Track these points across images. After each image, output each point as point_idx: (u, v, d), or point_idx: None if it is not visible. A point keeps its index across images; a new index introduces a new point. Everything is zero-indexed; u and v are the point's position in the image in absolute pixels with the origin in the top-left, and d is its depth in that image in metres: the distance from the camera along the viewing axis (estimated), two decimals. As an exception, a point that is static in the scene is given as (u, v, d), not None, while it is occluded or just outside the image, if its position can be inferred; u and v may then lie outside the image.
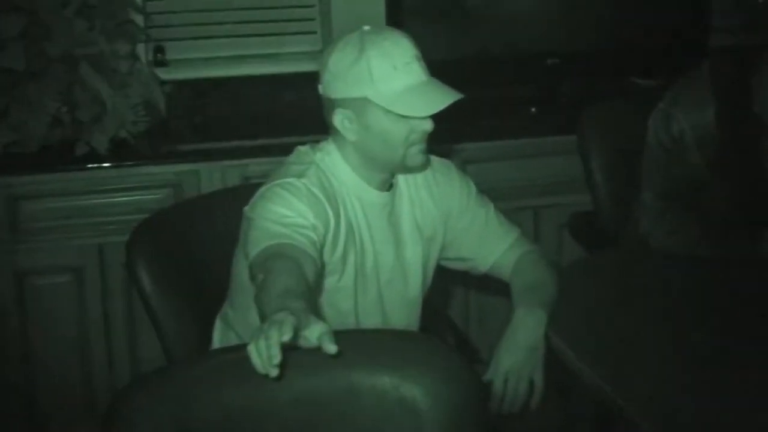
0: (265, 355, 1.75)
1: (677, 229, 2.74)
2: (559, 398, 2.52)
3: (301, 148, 2.45)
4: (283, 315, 1.81)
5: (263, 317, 1.93)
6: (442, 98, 2.29)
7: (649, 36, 3.91)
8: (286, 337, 1.75)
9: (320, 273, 2.27)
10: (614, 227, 3.11)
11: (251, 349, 1.76)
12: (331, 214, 2.32)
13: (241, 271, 2.38)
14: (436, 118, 2.34)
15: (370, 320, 2.46)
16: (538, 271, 2.56)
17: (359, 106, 2.31)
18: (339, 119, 2.34)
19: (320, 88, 2.38)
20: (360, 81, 2.29)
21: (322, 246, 2.30)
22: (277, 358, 1.74)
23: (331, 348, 1.77)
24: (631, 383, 2.19)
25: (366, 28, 2.36)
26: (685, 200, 2.76)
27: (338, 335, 1.79)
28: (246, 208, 2.33)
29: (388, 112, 2.29)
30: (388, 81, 2.28)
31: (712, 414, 2.07)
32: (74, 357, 3.43)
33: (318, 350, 1.79)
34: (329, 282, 2.38)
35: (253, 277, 2.17)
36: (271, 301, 1.95)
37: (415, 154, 2.34)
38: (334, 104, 2.34)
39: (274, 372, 1.75)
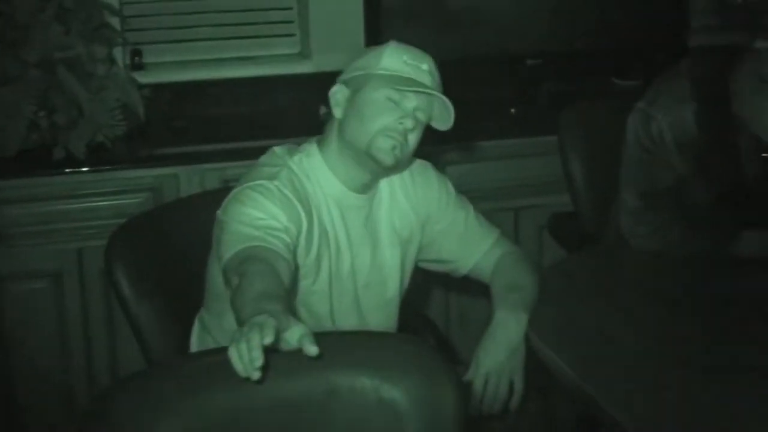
0: (246, 359, 1.74)
1: (657, 228, 2.74)
2: (539, 399, 2.52)
3: (277, 150, 2.44)
4: (264, 318, 1.80)
5: (240, 321, 1.91)
6: (433, 89, 2.34)
7: (628, 36, 3.93)
8: (268, 340, 1.75)
9: (294, 275, 2.26)
10: (594, 228, 3.12)
11: (232, 352, 1.75)
12: (303, 216, 2.32)
13: (215, 275, 2.37)
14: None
15: (347, 323, 2.46)
16: (518, 272, 2.56)
17: (359, 82, 2.36)
18: (334, 91, 2.40)
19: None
20: (369, 61, 2.38)
21: (296, 248, 2.29)
22: (259, 361, 1.73)
23: (312, 350, 1.76)
24: (612, 383, 2.20)
25: None
26: (665, 200, 2.76)
27: (318, 337, 1.79)
28: (218, 211, 2.32)
29: (380, 87, 2.32)
30: (393, 64, 2.35)
31: (692, 412, 2.07)
32: (54, 362, 3.41)
33: (298, 352, 1.79)
34: (303, 285, 2.38)
35: (227, 281, 2.16)
36: (247, 305, 1.94)
37: (384, 144, 2.32)
38: (338, 83, 2.41)
39: (256, 375, 1.74)
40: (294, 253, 2.27)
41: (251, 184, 2.31)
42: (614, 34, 3.92)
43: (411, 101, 2.33)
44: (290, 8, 4.00)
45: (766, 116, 2.54)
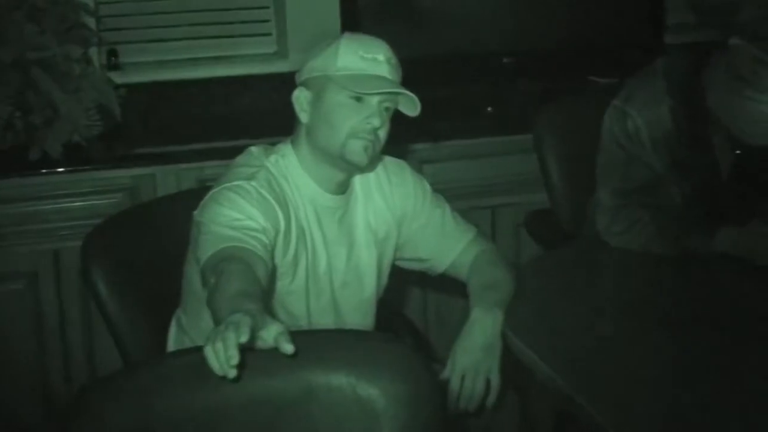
0: (222, 357, 1.74)
1: (633, 226, 2.75)
2: (515, 396, 2.53)
3: (253, 149, 2.44)
4: (240, 316, 1.80)
5: (217, 321, 1.92)
6: (393, 87, 2.31)
7: (604, 34, 3.93)
8: (244, 339, 1.75)
9: (272, 275, 2.26)
10: (571, 225, 3.12)
11: (208, 351, 1.75)
12: (281, 216, 2.32)
13: (192, 276, 2.37)
14: (393, 118, 2.36)
15: (324, 322, 2.46)
16: (494, 270, 2.56)
17: (320, 84, 2.35)
18: (296, 96, 2.39)
19: (296, 78, 2.43)
20: (325, 60, 2.35)
21: (273, 248, 2.29)
22: (235, 359, 1.73)
23: (288, 348, 1.77)
24: (589, 380, 2.20)
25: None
26: (641, 197, 2.77)
27: (295, 336, 1.79)
28: (195, 212, 2.32)
29: (341, 90, 2.31)
30: (348, 62, 2.32)
31: (670, 408, 2.08)
32: (30, 362, 3.40)
33: (275, 351, 1.79)
34: (280, 285, 2.38)
35: (205, 281, 2.16)
36: (224, 304, 1.94)
37: (356, 147, 2.33)
38: (299, 85, 2.39)
39: (232, 373, 1.74)
40: (271, 253, 2.27)
41: (229, 184, 2.31)
42: (590, 31, 3.93)
43: (374, 97, 2.32)
44: (267, 7, 4.00)
45: (740, 113, 2.55)
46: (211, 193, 2.33)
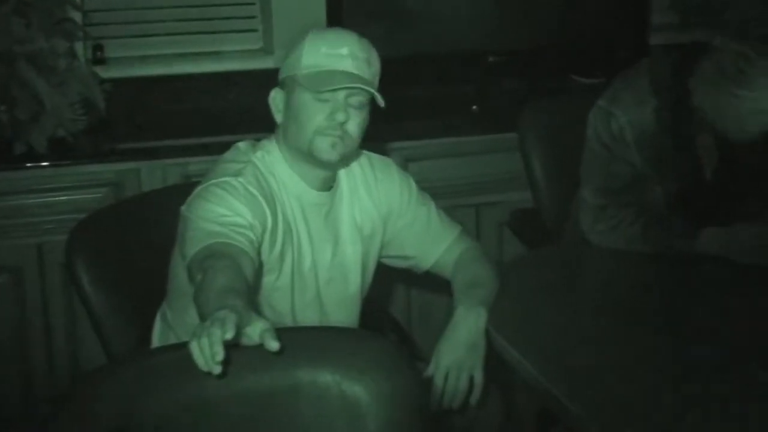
0: (207, 353, 1.74)
1: (617, 225, 2.76)
2: (499, 394, 2.53)
3: (241, 145, 2.44)
4: (225, 313, 1.80)
5: (203, 316, 1.92)
6: (346, 82, 2.30)
7: (589, 34, 3.94)
8: (229, 335, 1.75)
9: (258, 272, 2.26)
10: (554, 224, 3.13)
11: (193, 346, 1.76)
12: (268, 213, 2.32)
13: (178, 271, 2.37)
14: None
15: (308, 320, 2.46)
16: (478, 268, 2.57)
17: (290, 85, 2.36)
18: (272, 97, 2.41)
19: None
20: (293, 61, 2.36)
21: (260, 245, 2.30)
22: (220, 355, 1.73)
23: (273, 345, 1.77)
24: (571, 378, 2.21)
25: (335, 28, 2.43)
26: (625, 197, 2.78)
27: (280, 332, 1.80)
28: (183, 207, 2.32)
29: (304, 89, 2.31)
30: (311, 60, 2.32)
31: (652, 406, 2.09)
32: (14, 357, 3.39)
33: (260, 347, 1.79)
34: (266, 281, 2.38)
35: (191, 278, 2.16)
36: (210, 300, 1.94)
37: (323, 144, 2.33)
38: (277, 85, 2.40)
39: (217, 369, 1.75)
40: (258, 250, 2.27)
41: (216, 180, 2.31)
42: (575, 31, 3.94)
43: (340, 92, 2.31)
44: (253, 3, 4.00)
45: (726, 111, 2.55)
46: (198, 188, 2.33)
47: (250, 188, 2.31)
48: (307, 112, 2.33)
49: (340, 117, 2.31)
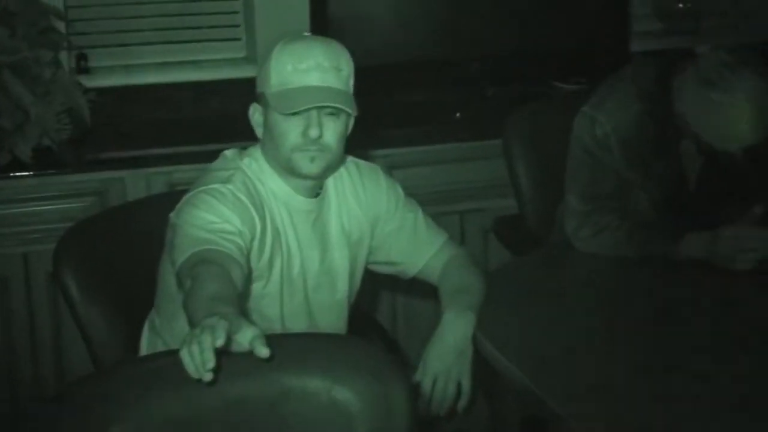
0: (198, 360, 1.74)
1: (601, 230, 2.77)
2: (486, 400, 2.54)
3: (228, 153, 2.45)
4: (215, 320, 1.81)
5: (192, 323, 1.92)
6: (314, 101, 2.29)
7: (572, 40, 3.96)
8: (220, 342, 1.75)
9: (247, 279, 2.26)
10: (539, 230, 3.14)
11: (184, 354, 1.76)
12: (257, 219, 2.32)
13: (167, 278, 2.37)
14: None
15: (297, 325, 2.47)
16: (465, 274, 2.58)
17: (264, 101, 2.36)
18: (251, 112, 2.40)
19: None
20: (264, 77, 2.35)
21: (249, 252, 2.30)
22: (211, 363, 1.74)
23: (263, 351, 1.78)
24: (559, 384, 2.22)
25: (305, 34, 2.41)
26: (609, 202, 2.79)
27: (270, 339, 1.80)
28: (172, 215, 2.32)
29: (275, 111, 2.32)
30: (279, 79, 2.32)
31: (638, 412, 2.10)
32: (0, 367, 3.38)
33: (250, 354, 1.80)
34: (255, 288, 2.38)
35: (180, 284, 2.16)
36: (200, 307, 1.95)
37: (302, 160, 2.33)
38: (254, 100, 2.40)
39: (208, 377, 1.75)
40: (247, 256, 2.28)
41: (205, 188, 2.31)
42: (559, 38, 3.95)
43: (305, 105, 2.30)
44: (236, 12, 4.00)
45: (708, 117, 2.57)
46: (187, 195, 2.33)
47: (239, 195, 2.31)
48: (281, 131, 2.33)
49: (314, 133, 2.30)
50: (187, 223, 2.25)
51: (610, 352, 2.36)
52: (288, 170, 2.37)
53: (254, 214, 2.32)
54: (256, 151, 2.43)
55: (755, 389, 2.16)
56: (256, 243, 2.33)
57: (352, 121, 2.38)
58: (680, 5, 4.35)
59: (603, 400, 2.15)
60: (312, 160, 2.33)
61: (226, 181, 2.33)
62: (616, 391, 2.18)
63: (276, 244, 2.38)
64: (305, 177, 2.37)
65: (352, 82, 2.38)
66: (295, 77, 2.31)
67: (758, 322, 2.46)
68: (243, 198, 2.31)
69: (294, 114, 2.30)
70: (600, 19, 3.98)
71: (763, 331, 2.41)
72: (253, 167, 2.40)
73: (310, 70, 2.31)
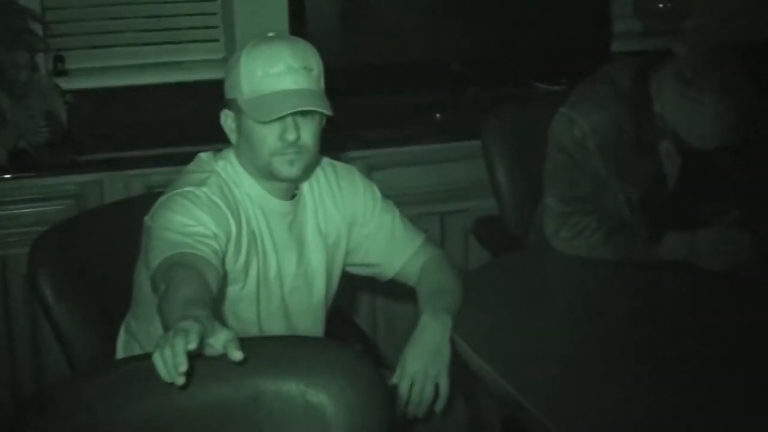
0: (171, 364, 1.73)
1: (580, 232, 2.77)
2: (464, 402, 2.54)
3: (203, 156, 2.44)
4: (188, 323, 1.80)
5: (167, 327, 1.91)
6: (290, 106, 2.27)
7: (552, 41, 3.96)
8: (192, 345, 1.74)
9: (222, 282, 2.26)
10: (519, 231, 3.14)
11: (156, 357, 1.75)
12: (232, 222, 2.32)
13: (142, 281, 2.36)
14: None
15: (274, 328, 2.46)
16: (443, 276, 2.57)
17: (236, 107, 2.34)
18: (223, 118, 2.39)
19: None
20: (234, 83, 2.33)
21: (224, 255, 2.29)
22: (184, 366, 1.73)
23: (237, 355, 1.77)
24: (536, 385, 2.22)
25: (269, 35, 2.38)
26: (588, 204, 2.79)
27: (244, 342, 1.79)
28: (146, 218, 2.31)
29: (249, 118, 2.31)
30: (251, 85, 2.30)
31: (616, 413, 2.10)
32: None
33: (224, 357, 1.79)
34: (231, 290, 2.37)
35: (155, 288, 2.15)
36: (174, 311, 1.94)
37: (281, 164, 2.32)
38: (225, 104, 2.38)
39: (180, 380, 1.74)
40: (222, 259, 2.27)
41: (180, 190, 2.30)
42: (539, 39, 3.95)
43: (282, 112, 2.28)
44: (215, 13, 3.99)
45: (686, 116, 2.57)
46: (162, 198, 2.32)
47: (214, 198, 2.30)
48: (258, 137, 2.32)
49: (291, 136, 2.30)
50: (161, 227, 2.24)
51: (589, 353, 2.36)
52: (266, 174, 2.36)
53: (229, 216, 2.31)
54: (230, 155, 2.42)
55: (736, 389, 2.16)
56: (231, 246, 2.32)
57: (324, 119, 2.37)
58: (660, 6, 4.36)
59: (581, 402, 2.15)
60: (291, 163, 2.32)
61: (201, 183, 2.32)
62: (594, 392, 2.18)
63: (252, 246, 2.37)
64: (285, 180, 2.37)
65: (322, 80, 2.37)
66: (267, 82, 2.29)
67: (736, 323, 2.46)
68: (218, 201, 2.30)
69: (270, 120, 2.29)
70: (581, 19, 3.99)
71: (742, 332, 2.41)
72: (228, 170, 2.39)
73: (282, 74, 2.29)
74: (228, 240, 2.30)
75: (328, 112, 2.31)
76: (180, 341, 1.74)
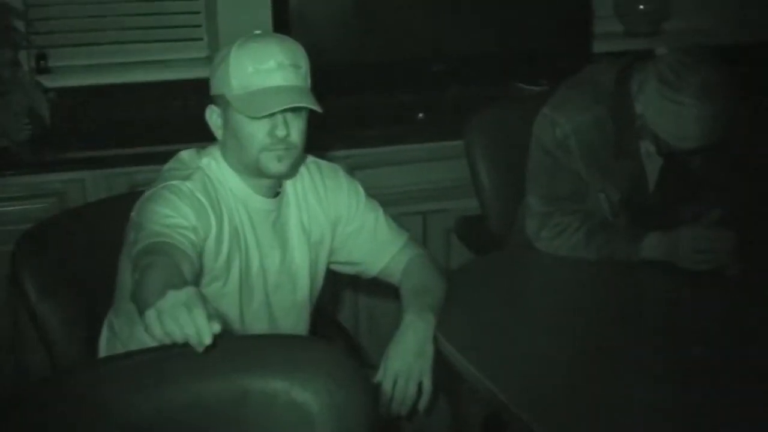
0: (201, 324, 1.74)
1: (562, 232, 2.78)
2: (447, 400, 2.54)
3: (184, 154, 2.44)
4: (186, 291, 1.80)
5: (143, 309, 1.87)
6: (282, 103, 2.29)
7: (533, 42, 3.97)
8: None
9: (197, 274, 2.25)
10: (501, 231, 3.15)
11: (171, 327, 1.74)
12: (213, 219, 2.32)
13: (125, 278, 2.36)
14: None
15: (258, 327, 2.46)
16: (426, 274, 2.58)
17: (223, 103, 2.35)
18: (209, 114, 2.39)
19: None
20: (222, 79, 2.34)
21: (202, 249, 2.29)
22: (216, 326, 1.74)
23: (216, 327, 1.76)
24: (519, 384, 2.22)
25: (256, 32, 2.39)
26: (569, 204, 2.80)
27: (230, 340, 1.79)
28: (133, 213, 2.32)
29: (238, 113, 2.31)
30: (240, 81, 2.31)
31: (600, 412, 2.11)
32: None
33: (209, 354, 1.78)
34: (214, 288, 2.38)
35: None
36: (153, 292, 1.89)
37: (270, 160, 2.34)
38: (210, 101, 2.39)
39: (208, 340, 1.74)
40: (199, 253, 2.27)
41: (165, 184, 2.31)
42: (521, 39, 3.96)
43: (275, 108, 2.30)
44: (198, 12, 3.99)
45: (666, 117, 2.58)
46: (147, 193, 2.33)
47: (197, 194, 2.31)
48: (246, 133, 2.33)
49: (281, 133, 2.31)
50: (144, 219, 2.25)
51: (571, 352, 2.36)
52: (254, 171, 2.37)
53: (210, 213, 2.32)
54: (215, 151, 2.43)
55: (717, 389, 2.17)
56: (212, 243, 2.33)
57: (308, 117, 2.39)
58: (641, 7, 4.37)
59: (563, 400, 2.16)
60: (279, 159, 2.34)
61: (185, 178, 2.33)
62: (576, 391, 2.19)
63: (234, 243, 2.38)
64: (272, 176, 2.38)
65: (309, 78, 2.38)
66: (258, 78, 2.30)
67: (717, 322, 2.48)
68: (200, 197, 2.31)
69: (260, 116, 2.30)
70: (562, 20, 3.99)
71: (723, 330, 2.43)
72: (213, 167, 2.40)
73: (273, 71, 2.31)
74: (207, 236, 2.31)
75: (318, 108, 2.32)
76: (195, 303, 1.75)
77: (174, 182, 2.31)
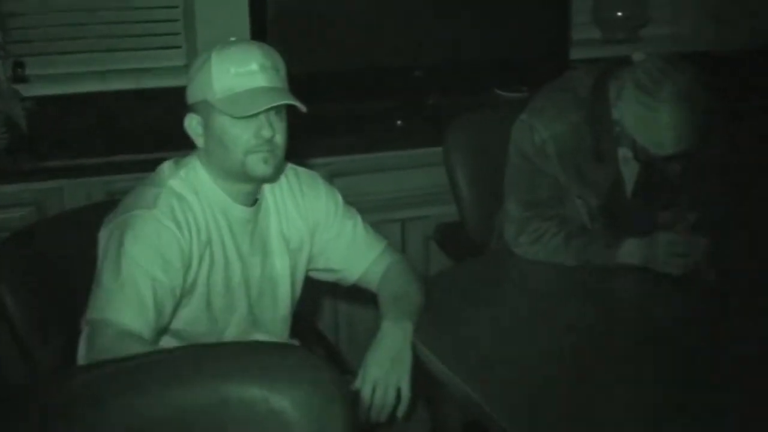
0: None
1: (540, 237, 2.79)
2: (425, 406, 2.54)
3: (164, 166, 2.44)
4: None
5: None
6: (268, 101, 2.31)
7: (512, 49, 3.98)
8: None
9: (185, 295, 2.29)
10: (480, 237, 3.15)
11: None
12: (187, 241, 2.33)
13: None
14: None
15: (240, 334, 2.47)
16: (404, 281, 2.58)
17: (204, 109, 2.35)
18: (188, 122, 2.39)
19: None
20: (203, 84, 2.34)
21: (185, 276, 2.33)
22: None
23: None
24: (498, 390, 2.23)
25: (231, 39, 2.39)
26: (547, 209, 2.81)
27: (208, 347, 1.79)
28: (105, 231, 2.33)
29: (223, 114, 2.31)
30: (224, 84, 2.31)
31: (578, 417, 2.12)
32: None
33: (188, 362, 1.78)
34: (195, 301, 2.38)
35: (94, 336, 2.23)
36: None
37: (256, 162, 2.34)
38: (188, 109, 2.38)
39: None
40: (179, 291, 2.33)
41: (132, 214, 2.32)
42: (499, 46, 3.96)
43: (262, 106, 2.31)
44: (176, 20, 3.98)
45: (644, 123, 2.59)
46: (119, 218, 2.33)
47: (165, 222, 2.31)
48: (232, 135, 2.33)
49: (267, 133, 2.32)
50: (131, 260, 2.27)
51: (550, 358, 2.37)
52: (239, 175, 2.36)
53: (181, 237, 2.33)
54: (193, 160, 2.42)
55: (695, 392, 2.18)
56: (193, 261, 2.35)
57: None
58: (619, 14, 4.39)
59: (542, 406, 2.16)
60: (265, 161, 2.35)
61: (152, 205, 2.32)
62: (555, 397, 2.20)
63: (215, 255, 2.38)
64: (258, 179, 2.38)
65: (287, 81, 2.39)
66: (241, 80, 2.31)
67: (693, 325, 2.49)
68: (168, 224, 2.32)
69: (245, 117, 2.30)
70: (540, 27, 4.00)
71: (700, 334, 2.44)
72: (190, 178, 2.39)
73: (255, 73, 2.32)
74: (188, 261, 2.33)
75: (303, 108, 2.33)
76: None
77: (140, 212, 2.31)
